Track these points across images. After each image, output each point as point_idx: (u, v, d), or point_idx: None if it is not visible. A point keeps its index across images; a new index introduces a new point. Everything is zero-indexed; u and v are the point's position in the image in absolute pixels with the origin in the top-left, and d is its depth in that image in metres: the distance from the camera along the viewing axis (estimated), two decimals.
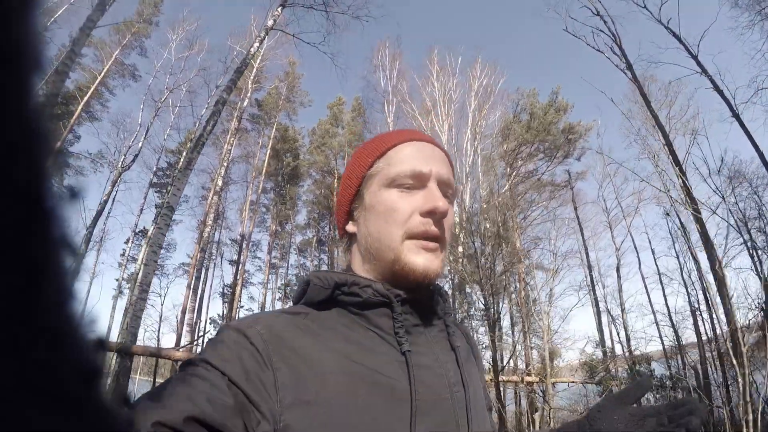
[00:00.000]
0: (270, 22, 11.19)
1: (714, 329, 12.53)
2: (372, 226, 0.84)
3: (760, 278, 10.35)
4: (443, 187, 0.85)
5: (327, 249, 27.04)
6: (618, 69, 13.60)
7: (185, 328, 19.59)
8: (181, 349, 9.10)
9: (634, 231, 20.01)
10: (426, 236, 0.81)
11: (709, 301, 10.75)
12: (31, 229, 0.17)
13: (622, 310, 17.46)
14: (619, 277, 18.41)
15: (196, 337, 19.74)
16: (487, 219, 15.39)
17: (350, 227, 0.90)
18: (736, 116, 11.60)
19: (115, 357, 6.92)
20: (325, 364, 0.72)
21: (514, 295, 14.97)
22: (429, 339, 0.84)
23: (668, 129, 12.89)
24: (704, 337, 13.31)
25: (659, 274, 16.38)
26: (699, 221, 10.40)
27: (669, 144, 11.82)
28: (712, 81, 12.19)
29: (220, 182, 19.19)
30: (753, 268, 11.73)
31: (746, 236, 11.65)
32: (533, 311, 11.33)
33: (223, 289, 23.37)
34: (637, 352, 15.43)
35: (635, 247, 18.69)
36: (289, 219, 26.47)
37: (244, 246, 23.35)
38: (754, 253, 11.63)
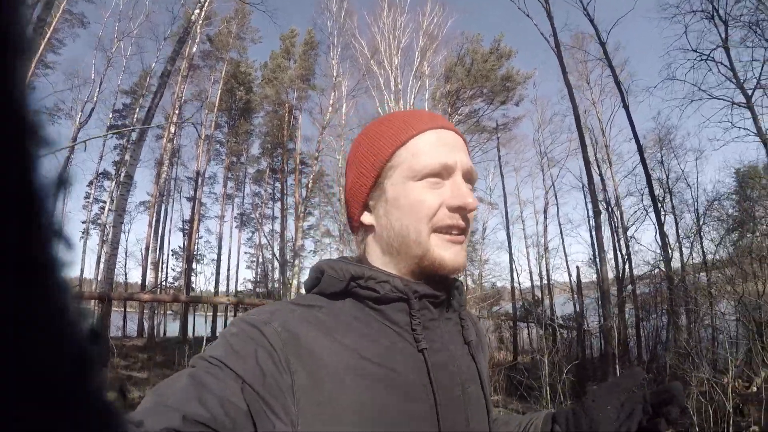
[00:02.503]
0: None
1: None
2: (395, 220, 0.81)
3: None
4: (467, 176, 0.83)
5: (279, 178, 27.84)
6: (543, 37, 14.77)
7: (149, 266, 20.83)
8: (147, 293, 10.66)
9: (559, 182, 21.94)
10: (452, 230, 0.80)
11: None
12: (22, 221, 0.17)
13: (546, 249, 19.76)
14: (545, 218, 20.65)
15: (160, 281, 21.05)
16: None
17: (367, 219, 0.86)
18: (626, 107, 13.47)
19: (96, 304, 8.11)
20: (341, 365, 0.70)
21: None
22: (444, 333, 0.83)
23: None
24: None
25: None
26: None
27: (577, 117, 13.41)
28: (612, 70, 13.70)
29: (173, 129, 19.73)
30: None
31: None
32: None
33: (183, 224, 24.48)
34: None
35: (555, 198, 21.23)
36: (243, 152, 27.12)
37: (199, 182, 24.19)
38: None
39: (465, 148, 0.87)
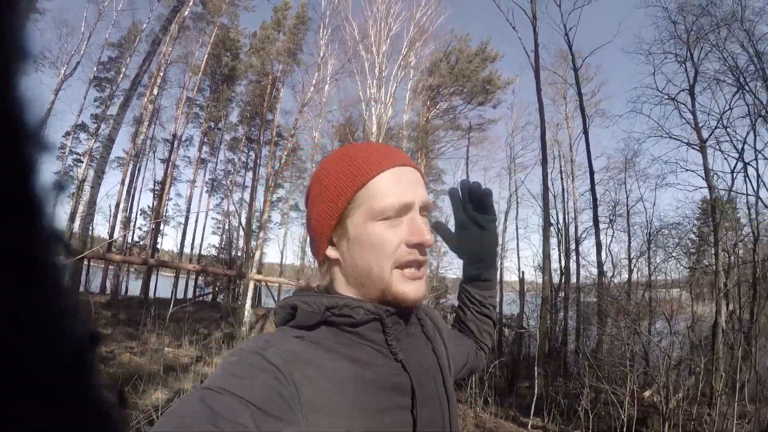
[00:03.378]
0: None
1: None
2: (359, 258, 0.85)
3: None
4: (424, 209, 0.87)
5: (254, 148, 28.01)
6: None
7: (118, 224, 21.06)
8: (118, 254, 11.03)
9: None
10: (412, 265, 0.84)
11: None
12: (22, 222, 0.17)
13: (501, 249, 20.74)
14: (506, 220, 21.62)
15: (128, 241, 21.23)
16: (408, 138, 17.65)
17: (331, 253, 0.89)
18: (586, 133, 14.48)
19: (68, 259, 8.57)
20: (340, 374, 0.76)
21: None
22: (410, 337, 0.91)
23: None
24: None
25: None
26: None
27: (543, 134, 14.20)
28: (580, 98, 14.52)
29: (156, 91, 19.87)
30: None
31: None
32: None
33: (154, 185, 24.54)
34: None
35: (517, 202, 22.11)
36: (221, 119, 27.23)
37: (175, 145, 24.32)
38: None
39: (422, 181, 0.91)
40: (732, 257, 10.91)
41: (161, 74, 20.55)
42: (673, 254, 13.69)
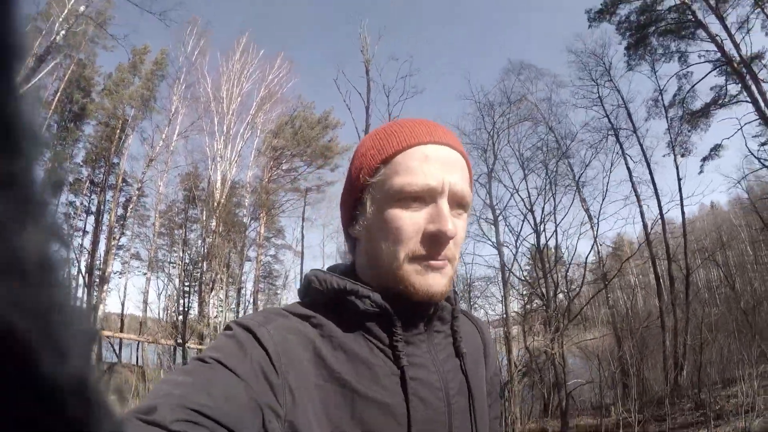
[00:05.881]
0: None
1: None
2: (374, 241, 0.79)
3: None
4: (455, 198, 0.78)
5: (98, 191, 27.19)
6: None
7: None
8: None
9: None
10: (430, 258, 0.76)
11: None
12: (20, 220, 0.17)
13: None
14: None
15: None
16: (251, 195, 18.49)
17: (354, 231, 0.84)
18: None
19: None
20: (323, 376, 0.71)
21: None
22: (432, 347, 0.82)
23: None
24: None
25: None
26: None
27: None
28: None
29: None
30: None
31: None
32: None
33: None
34: None
35: None
36: (66, 158, 26.19)
37: None
38: None
39: (461, 165, 0.81)
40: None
41: None
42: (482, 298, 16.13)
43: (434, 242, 0.75)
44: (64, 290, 0.19)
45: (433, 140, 0.78)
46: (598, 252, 15.92)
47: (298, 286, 0.87)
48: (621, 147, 16.45)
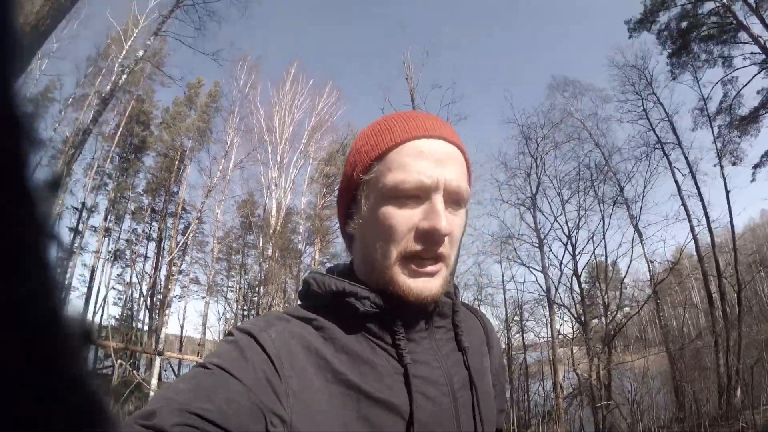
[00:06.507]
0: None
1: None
2: (368, 239, 0.79)
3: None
4: (451, 194, 0.76)
5: (159, 219, 28.29)
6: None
7: None
8: None
9: None
10: (423, 256, 0.75)
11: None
12: (13, 220, 0.17)
13: None
14: None
15: None
16: (306, 221, 19.25)
17: (349, 229, 0.84)
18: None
19: None
20: (327, 378, 0.70)
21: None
22: (434, 343, 0.81)
23: None
24: None
25: None
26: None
27: None
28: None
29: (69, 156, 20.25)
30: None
31: None
32: None
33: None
34: None
35: None
36: (128, 188, 27.63)
37: (84, 215, 24.36)
38: None
39: (457, 159, 0.79)
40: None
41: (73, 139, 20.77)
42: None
43: (428, 239, 0.74)
44: (57, 290, 0.19)
45: (427, 134, 0.77)
46: (649, 269, 15.76)
47: None
48: (668, 160, 16.18)
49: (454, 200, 0.78)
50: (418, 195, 0.75)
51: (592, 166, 15.89)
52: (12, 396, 0.17)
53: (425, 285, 0.75)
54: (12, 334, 0.17)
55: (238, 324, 0.75)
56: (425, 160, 0.75)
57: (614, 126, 21.85)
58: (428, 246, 0.75)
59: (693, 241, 15.57)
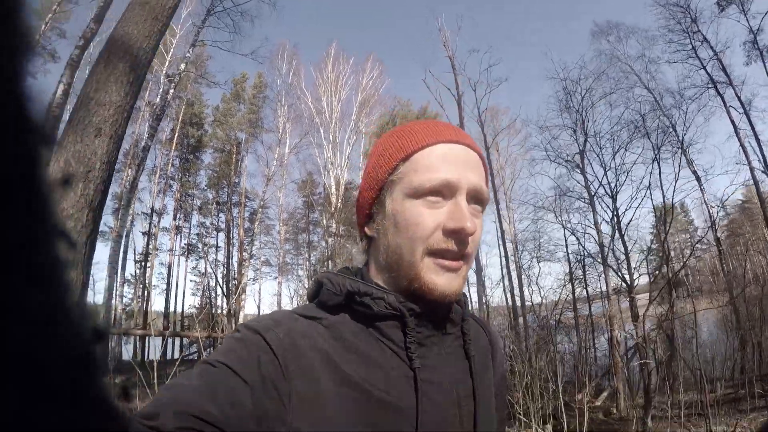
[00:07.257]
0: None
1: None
2: (392, 238, 0.79)
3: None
4: (473, 196, 0.79)
5: (224, 210, 29.26)
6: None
7: (116, 296, 21.75)
8: (139, 328, 12.80)
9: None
10: (448, 254, 0.77)
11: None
12: (26, 219, 0.17)
13: None
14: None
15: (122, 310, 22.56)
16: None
17: (369, 230, 0.84)
18: (497, 202, 17.01)
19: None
20: (335, 380, 0.70)
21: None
22: (443, 349, 0.82)
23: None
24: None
25: None
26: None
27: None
28: (492, 178, 17.71)
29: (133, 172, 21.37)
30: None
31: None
32: None
33: (135, 256, 25.63)
34: None
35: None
36: (192, 187, 28.83)
37: (154, 218, 25.55)
38: None
39: (479, 165, 0.82)
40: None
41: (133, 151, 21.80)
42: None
43: (453, 238, 0.76)
44: (67, 288, 0.19)
45: (452, 139, 0.80)
46: (710, 215, 15.72)
47: None
48: (723, 99, 15.27)
49: (476, 201, 0.81)
50: (444, 193, 0.78)
51: (643, 111, 14.76)
52: (16, 393, 0.17)
53: (449, 282, 0.77)
54: (21, 331, 0.17)
55: (246, 321, 0.79)
56: (451, 162, 0.78)
57: (663, 68, 21.19)
58: (453, 245, 0.77)
59: (754, 181, 15.06)
